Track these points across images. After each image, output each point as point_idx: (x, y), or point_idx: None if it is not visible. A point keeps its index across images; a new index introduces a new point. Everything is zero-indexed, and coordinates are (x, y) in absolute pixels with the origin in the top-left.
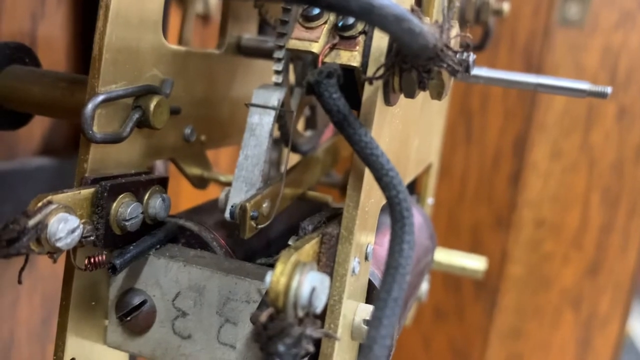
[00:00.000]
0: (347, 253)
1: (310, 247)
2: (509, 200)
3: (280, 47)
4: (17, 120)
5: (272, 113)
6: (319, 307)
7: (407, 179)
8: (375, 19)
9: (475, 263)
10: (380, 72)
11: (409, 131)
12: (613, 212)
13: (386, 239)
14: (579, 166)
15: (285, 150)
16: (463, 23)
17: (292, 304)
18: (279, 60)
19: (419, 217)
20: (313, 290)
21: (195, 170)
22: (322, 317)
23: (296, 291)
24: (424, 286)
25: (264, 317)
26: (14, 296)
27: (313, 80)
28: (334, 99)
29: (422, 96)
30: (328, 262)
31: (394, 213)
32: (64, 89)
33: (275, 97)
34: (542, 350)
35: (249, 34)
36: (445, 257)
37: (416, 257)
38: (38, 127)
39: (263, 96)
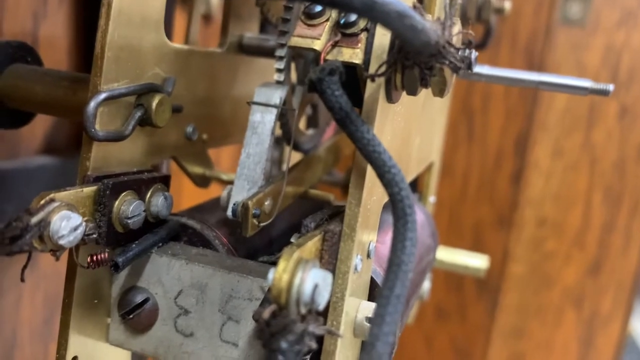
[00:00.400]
0: (349, 250)
1: (312, 245)
2: (511, 199)
3: (282, 45)
4: (20, 119)
5: (274, 111)
6: (321, 304)
7: (408, 177)
8: (378, 15)
9: (477, 261)
10: (383, 69)
11: (411, 129)
12: (615, 211)
13: (388, 237)
14: (580, 165)
15: (287, 149)
16: (464, 21)
17: (294, 300)
18: (280, 58)
19: (420, 216)
20: (315, 287)
21: (197, 169)
22: (324, 314)
23: (299, 288)
24: (426, 285)
25: (266, 313)
26: (17, 295)
27: (315, 78)
28: (336, 96)
29: (424, 94)
30: (330, 259)
31: (397, 210)
32: (66, 87)
33: (277, 95)
34: (544, 350)
35: (251, 32)
36: (448, 255)
37: (418, 255)
38: (40, 126)
39: (265, 94)
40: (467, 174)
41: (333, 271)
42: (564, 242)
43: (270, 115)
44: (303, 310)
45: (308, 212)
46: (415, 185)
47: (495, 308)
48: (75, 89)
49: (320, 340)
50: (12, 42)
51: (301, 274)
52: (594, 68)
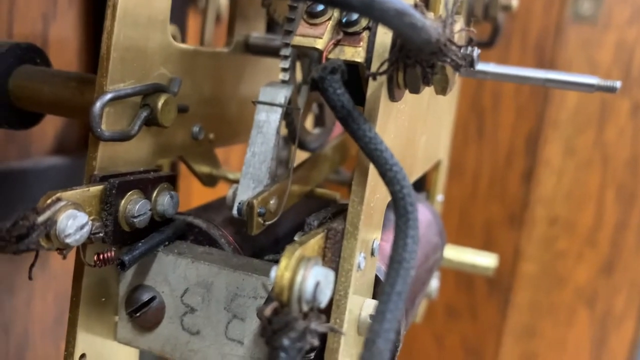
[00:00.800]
0: (352, 248)
1: (315, 242)
2: (522, 198)
3: (287, 45)
4: (29, 119)
5: (279, 110)
6: (323, 301)
7: (414, 176)
8: (377, 14)
9: (486, 260)
10: (384, 67)
11: (416, 127)
12: (628, 209)
13: (392, 235)
14: (592, 163)
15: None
16: (471, 19)
17: (296, 298)
18: (285, 57)
19: (428, 214)
20: (317, 284)
21: (204, 168)
22: (328, 312)
23: (300, 286)
24: (434, 283)
25: (268, 311)
26: (28, 295)
27: (317, 76)
28: (338, 94)
29: (429, 93)
30: (333, 257)
31: (398, 208)
32: (74, 88)
33: (282, 95)
34: (557, 349)
35: (257, 32)
36: (456, 254)
37: (425, 254)
38: (51, 126)
39: (270, 94)
40: (478, 173)
41: (336, 269)
42: (576, 241)
43: (275, 115)
44: (305, 308)
45: (314, 211)
46: (422, 183)
47: (507, 307)
48: (82, 90)
49: (324, 338)
50: (21, 44)
51: (303, 272)
52: (606, 65)
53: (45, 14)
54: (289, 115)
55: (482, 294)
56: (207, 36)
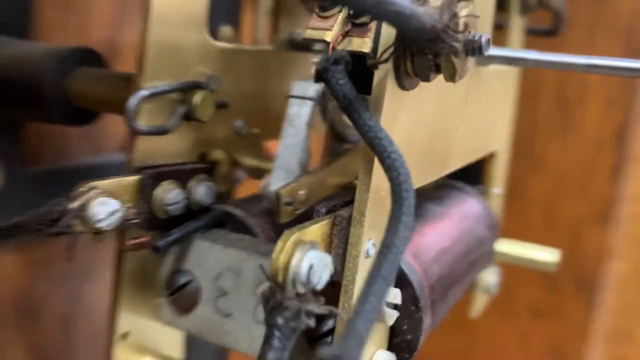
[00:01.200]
0: (359, 235)
1: (318, 228)
2: (611, 194)
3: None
4: (86, 117)
5: (310, 104)
6: (318, 284)
7: (451, 167)
8: (356, 3)
9: (546, 255)
10: (385, 55)
11: (447, 117)
12: None
13: (427, 228)
14: None
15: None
16: (527, 8)
17: (290, 280)
18: (317, 52)
19: (477, 207)
20: (311, 267)
21: (250, 161)
22: (337, 298)
23: (295, 268)
24: (493, 278)
25: (261, 289)
26: (105, 283)
27: (321, 67)
28: (340, 84)
29: (466, 83)
30: (340, 243)
31: (394, 194)
32: (123, 87)
33: (313, 88)
34: None
35: (302, 29)
36: (513, 248)
37: (467, 248)
38: (122, 124)
39: (302, 87)
40: (563, 168)
41: (343, 255)
42: None
43: (306, 108)
44: (301, 290)
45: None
46: (478, 177)
47: (595, 308)
48: (131, 88)
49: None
50: (80, 48)
51: (299, 255)
52: None
53: (116, 19)
54: (325, 108)
55: (568, 295)
56: (259, 34)
